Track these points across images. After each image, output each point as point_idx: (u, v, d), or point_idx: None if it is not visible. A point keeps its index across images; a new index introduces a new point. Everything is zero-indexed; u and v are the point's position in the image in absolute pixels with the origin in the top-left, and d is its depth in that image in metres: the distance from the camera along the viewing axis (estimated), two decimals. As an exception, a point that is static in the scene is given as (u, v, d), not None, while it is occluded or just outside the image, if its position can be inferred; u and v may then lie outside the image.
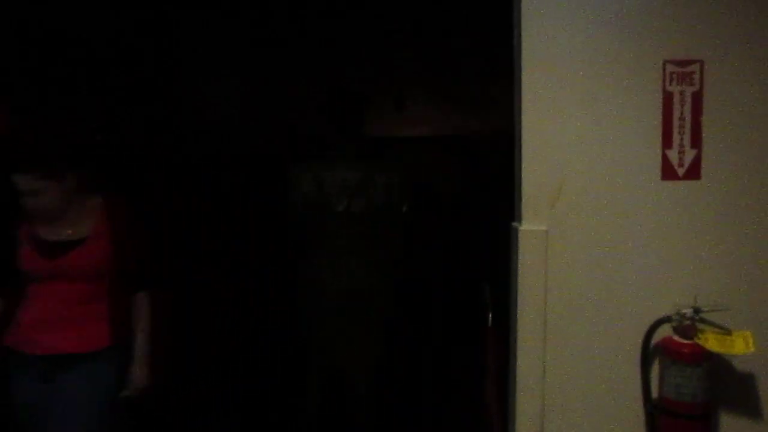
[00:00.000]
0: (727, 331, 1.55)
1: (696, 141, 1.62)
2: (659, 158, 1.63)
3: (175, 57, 4.47)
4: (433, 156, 4.83)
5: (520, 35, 1.65)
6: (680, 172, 1.63)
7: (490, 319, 2.47)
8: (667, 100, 1.62)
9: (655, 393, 1.63)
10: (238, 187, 4.44)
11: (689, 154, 1.63)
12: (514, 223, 1.71)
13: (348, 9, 4.61)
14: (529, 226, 1.66)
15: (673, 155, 1.63)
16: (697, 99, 1.61)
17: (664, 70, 1.61)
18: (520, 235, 1.67)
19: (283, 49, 4.70)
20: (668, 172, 1.63)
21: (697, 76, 1.61)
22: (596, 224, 1.65)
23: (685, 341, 1.56)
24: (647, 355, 1.62)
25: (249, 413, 3.80)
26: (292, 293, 3.25)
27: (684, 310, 1.57)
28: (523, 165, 1.66)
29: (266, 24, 4.60)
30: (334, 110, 3.14)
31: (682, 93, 1.61)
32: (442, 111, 5.18)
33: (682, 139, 1.62)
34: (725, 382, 1.64)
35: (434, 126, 5.17)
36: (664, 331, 1.61)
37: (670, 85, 1.62)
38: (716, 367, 1.60)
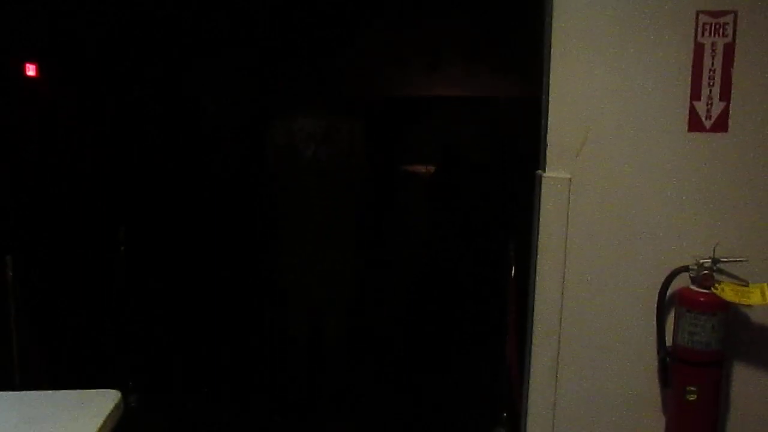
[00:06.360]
0: (745, 283, 1.57)
1: (725, 93, 1.62)
2: (686, 110, 1.63)
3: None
4: (463, 116, 4.84)
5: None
6: (707, 124, 1.63)
7: (513, 271, 2.51)
8: (698, 51, 1.61)
9: (669, 341, 1.67)
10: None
11: (717, 107, 1.62)
12: (539, 171, 1.74)
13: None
14: (553, 174, 1.69)
15: (701, 107, 1.63)
16: (729, 50, 1.60)
17: (696, 20, 1.60)
18: (543, 182, 1.69)
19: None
20: (695, 124, 1.63)
21: (730, 27, 1.59)
22: (620, 173, 1.67)
23: (701, 290, 1.58)
24: (663, 303, 1.66)
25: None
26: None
27: (702, 260, 1.59)
28: (550, 113, 1.68)
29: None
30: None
31: (714, 44, 1.61)
32: (475, 72, 5.17)
33: (710, 91, 1.62)
34: (740, 333, 1.66)
35: (466, 87, 5.17)
36: (682, 282, 1.64)
37: (702, 36, 1.61)
38: (732, 318, 1.62)
